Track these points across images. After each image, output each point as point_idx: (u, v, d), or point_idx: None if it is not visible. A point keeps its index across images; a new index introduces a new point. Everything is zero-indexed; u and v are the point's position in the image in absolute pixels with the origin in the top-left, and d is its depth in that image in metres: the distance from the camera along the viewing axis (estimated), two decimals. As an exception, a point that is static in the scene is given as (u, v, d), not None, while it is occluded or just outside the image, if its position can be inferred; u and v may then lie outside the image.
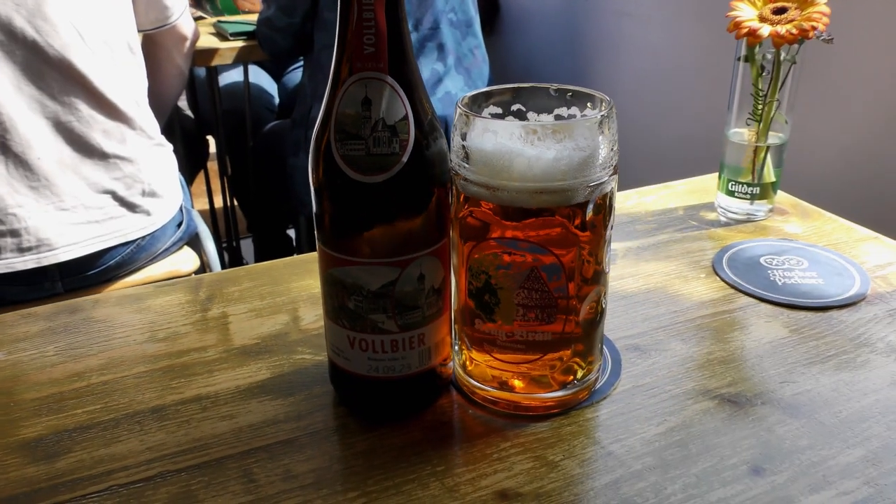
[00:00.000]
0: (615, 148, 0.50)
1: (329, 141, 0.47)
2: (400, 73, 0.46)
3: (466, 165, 0.49)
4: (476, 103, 0.53)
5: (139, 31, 1.24)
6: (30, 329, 0.65)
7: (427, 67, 1.63)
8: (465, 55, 1.69)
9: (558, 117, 0.53)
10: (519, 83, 0.54)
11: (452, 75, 1.67)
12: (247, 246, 2.39)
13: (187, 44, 1.44)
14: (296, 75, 2.22)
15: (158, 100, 1.39)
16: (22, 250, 1.05)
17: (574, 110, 0.52)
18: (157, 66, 1.40)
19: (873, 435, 0.52)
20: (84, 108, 1.07)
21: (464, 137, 0.49)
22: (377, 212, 0.48)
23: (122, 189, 1.13)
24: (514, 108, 0.53)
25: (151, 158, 1.18)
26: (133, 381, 0.58)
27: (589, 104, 0.52)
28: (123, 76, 1.14)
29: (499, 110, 0.53)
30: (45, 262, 1.07)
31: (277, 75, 2.32)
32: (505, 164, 0.48)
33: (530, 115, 0.53)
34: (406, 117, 0.46)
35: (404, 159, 0.46)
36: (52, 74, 1.04)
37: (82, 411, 0.55)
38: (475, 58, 1.71)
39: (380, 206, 0.47)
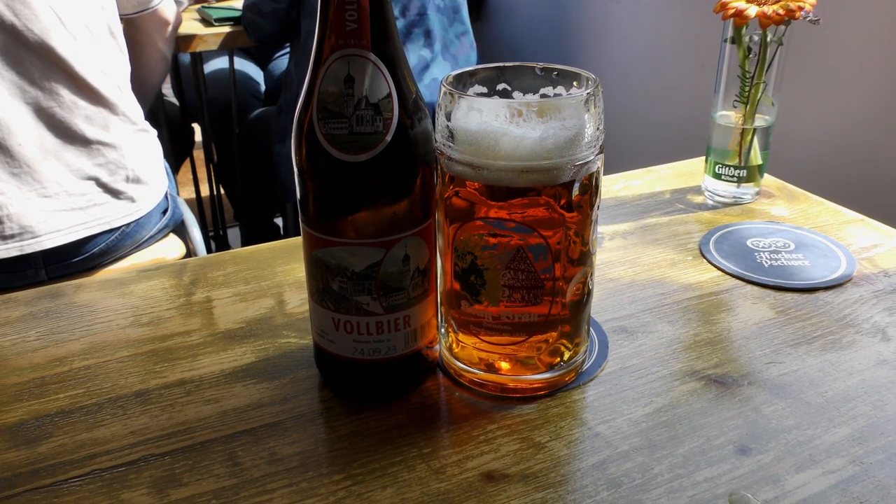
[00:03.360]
0: (601, 127, 0.49)
1: (312, 120, 0.46)
2: (383, 51, 0.45)
3: (451, 145, 0.49)
4: (461, 82, 0.52)
5: (121, 15, 1.23)
6: (11, 314, 0.64)
7: (414, 54, 1.63)
8: (451, 42, 1.68)
9: (544, 96, 0.52)
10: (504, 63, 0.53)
11: (439, 62, 1.66)
12: (234, 234, 2.38)
13: (169, 28, 1.42)
14: (283, 62, 2.20)
15: (142, 85, 1.37)
16: (4, 238, 1.04)
17: (560, 89, 0.52)
18: (139, 51, 1.38)
19: (859, 414, 0.52)
20: (66, 94, 1.06)
21: (448, 117, 0.49)
22: (361, 191, 0.47)
23: (106, 175, 1.11)
24: (500, 87, 0.53)
25: (135, 144, 1.16)
26: (116, 366, 0.58)
27: (575, 83, 0.51)
28: (105, 61, 1.12)
29: (484, 89, 0.53)
30: (29, 250, 1.06)
31: (263, 63, 2.30)
32: (490, 142, 0.47)
33: (516, 94, 0.53)
34: (390, 95, 0.45)
35: (388, 138, 0.46)
36: (31, 59, 1.02)
37: (64, 396, 0.54)
38: (462, 44, 1.70)
39: (363, 185, 0.47)
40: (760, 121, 0.81)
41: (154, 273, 0.71)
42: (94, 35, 1.10)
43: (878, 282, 0.68)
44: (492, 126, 0.47)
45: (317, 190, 0.48)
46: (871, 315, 0.63)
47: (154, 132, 1.24)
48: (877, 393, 0.54)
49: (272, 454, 0.49)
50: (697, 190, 0.87)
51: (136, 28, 1.37)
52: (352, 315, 0.50)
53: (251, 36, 1.74)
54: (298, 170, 0.49)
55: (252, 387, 0.55)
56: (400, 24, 1.59)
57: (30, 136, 1.04)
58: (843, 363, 0.57)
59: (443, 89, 0.49)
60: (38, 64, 1.03)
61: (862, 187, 1.16)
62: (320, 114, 0.46)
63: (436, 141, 0.50)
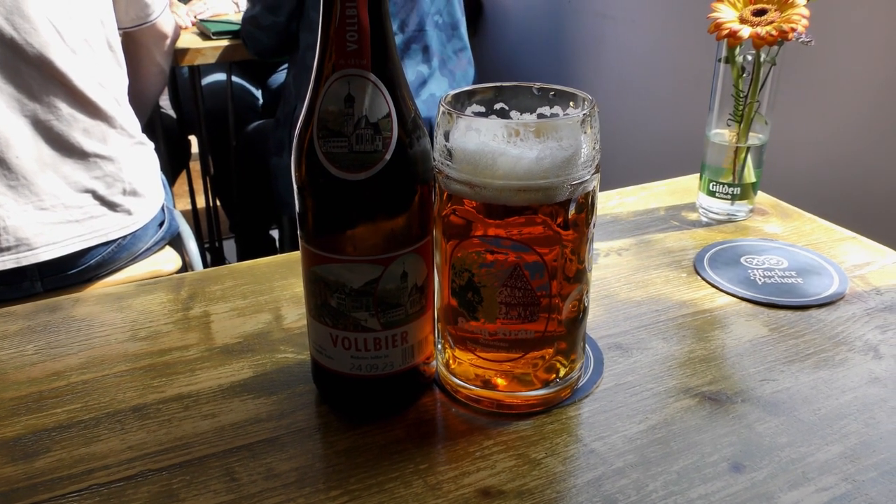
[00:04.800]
0: (597, 147, 0.50)
1: (312, 138, 0.47)
2: (383, 71, 0.46)
3: (449, 163, 0.49)
4: (459, 102, 0.53)
5: (119, 28, 1.23)
6: (9, 328, 0.65)
7: (412, 69, 1.63)
8: (449, 58, 1.69)
9: (541, 116, 0.53)
10: (501, 82, 0.54)
11: (437, 78, 1.67)
12: (229, 246, 2.38)
13: (167, 42, 1.43)
14: (281, 75, 2.21)
15: (139, 98, 1.38)
16: (1, 250, 1.04)
17: (557, 109, 0.53)
18: (137, 64, 1.39)
19: (851, 432, 0.52)
20: (64, 107, 1.06)
21: (447, 136, 0.49)
22: (360, 209, 0.48)
23: (103, 188, 1.12)
24: (497, 106, 0.54)
25: (132, 157, 1.17)
26: (114, 380, 0.58)
27: (571, 103, 0.52)
28: (103, 75, 1.13)
29: (482, 109, 0.53)
30: (25, 262, 1.06)
31: (260, 80, 2.31)
32: (488, 162, 0.48)
33: (513, 113, 0.53)
34: (389, 115, 0.46)
35: (387, 157, 0.46)
36: (30, 73, 1.03)
37: (62, 410, 0.54)
38: (460, 60, 1.71)
39: (362, 203, 0.47)
40: (754, 139, 0.82)
41: (152, 287, 0.71)
42: (92, 49, 1.11)
43: (871, 300, 0.68)
44: (490, 146, 0.48)
45: (316, 207, 0.49)
46: (864, 333, 0.63)
47: (151, 145, 1.25)
48: (869, 411, 0.54)
49: (269, 469, 0.49)
50: (692, 207, 0.88)
51: (134, 41, 1.38)
52: (350, 331, 0.50)
53: (250, 49, 1.74)
54: (298, 187, 0.49)
55: (249, 402, 0.55)
56: (398, 39, 1.61)
57: (27, 149, 1.04)
58: (835, 381, 0.57)
59: (441, 109, 0.50)
60: (37, 77, 1.04)
61: (854, 205, 1.17)
62: (320, 132, 0.46)
63: (434, 159, 0.51)
